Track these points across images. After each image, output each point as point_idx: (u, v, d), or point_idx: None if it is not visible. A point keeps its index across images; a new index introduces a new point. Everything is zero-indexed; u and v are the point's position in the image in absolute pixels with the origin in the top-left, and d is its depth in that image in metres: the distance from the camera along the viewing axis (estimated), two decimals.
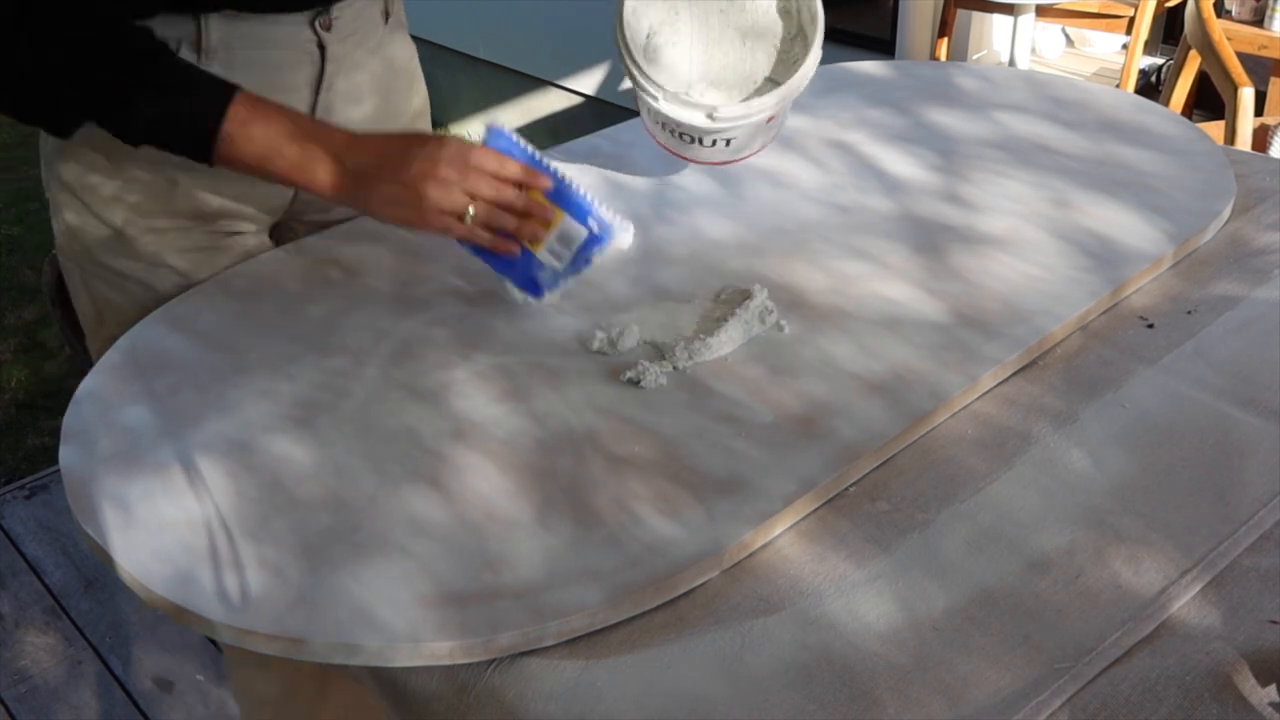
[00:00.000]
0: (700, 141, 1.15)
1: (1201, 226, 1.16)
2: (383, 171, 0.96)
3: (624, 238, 1.03)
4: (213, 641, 1.98)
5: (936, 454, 0.91)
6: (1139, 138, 1.35)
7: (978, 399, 0.97)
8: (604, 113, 3.63)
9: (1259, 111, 2.36)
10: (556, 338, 1.03)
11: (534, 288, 1.03)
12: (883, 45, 3.01)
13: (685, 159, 1.21)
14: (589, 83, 3.74)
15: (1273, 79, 2.63)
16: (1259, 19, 2.59)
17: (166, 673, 1.94)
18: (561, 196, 1.01)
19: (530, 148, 1.02)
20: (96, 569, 2.14)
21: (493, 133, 1.01)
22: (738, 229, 1.20)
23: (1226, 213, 1.20)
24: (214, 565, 0.79)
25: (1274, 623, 0.75)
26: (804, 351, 1.00)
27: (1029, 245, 1.14)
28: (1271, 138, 2.32)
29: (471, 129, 4.31)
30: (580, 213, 1.01)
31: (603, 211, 1.02)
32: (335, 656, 0.75)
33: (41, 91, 0.94)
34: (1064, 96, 1.47)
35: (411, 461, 0.88)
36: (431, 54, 4.29)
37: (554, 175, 1.01)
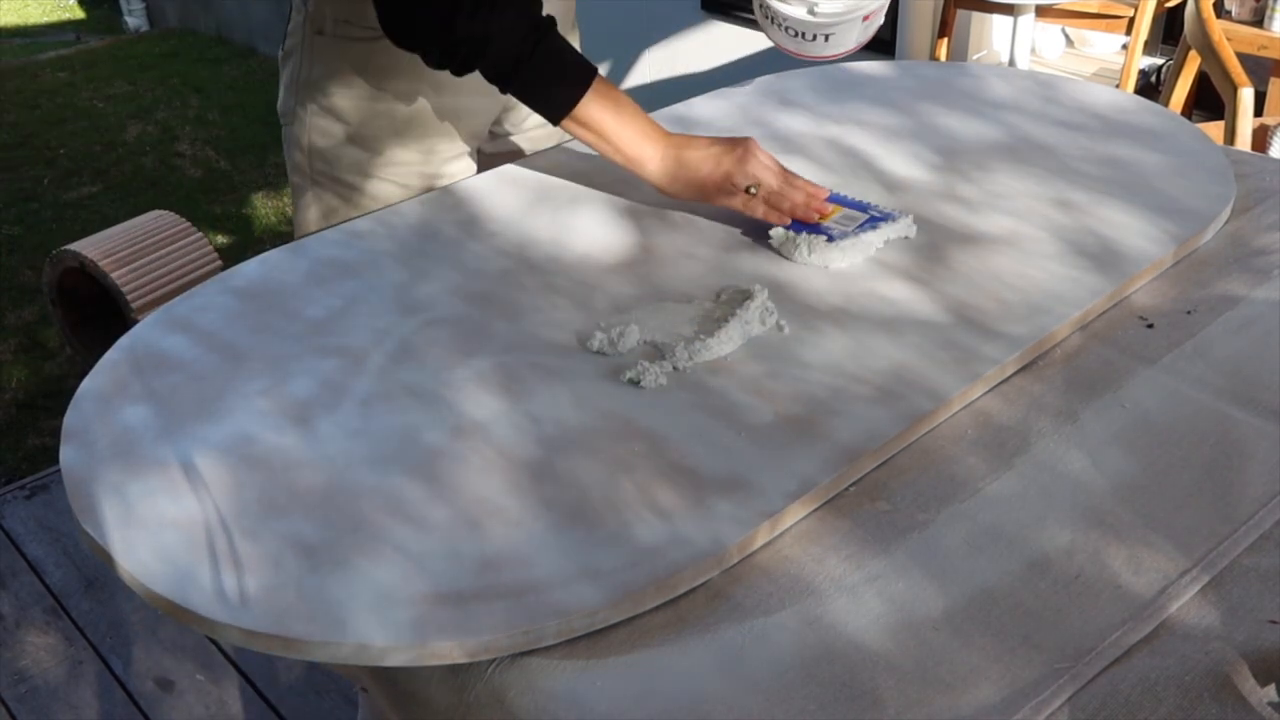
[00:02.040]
0: (803, 36, 1.27)
1: (1201, 226, 1.16)
2: (695, 156, 1.16)
3: (905, 223, 1.16)
4: (213, 641, 1.98)
5: (936, 454, 0.91)
6: (1139, 138, 1.35)
7: (978, 399, 0.97)
8: None
9: (1258, 112, 2.36)
10: (556, 338, 1.03)
11: (826, 232, 1.14)
12: (883, 45, 3.01)
13: (794, 54, 1.31)
14: None
15: (1272, 79, 2.64)
16: (1259, 19, 2.59)
17: (167, 672, 1.94)
18: (839, 200, 1.19)
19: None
20: (97, 569, 2.14)
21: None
22: (737, 228, 1.20)
23: (1226, 213, 1.20)
24: (214, 565, 0.79)
25: (1273, 622, 0.75)
26: (804, 351, 1.00)
27: (1029, 245, 1.14)
28: (1271, 138, 2.32)
29: None
30: (858, 206, 1.18)
31: (880, 208, 1.17)
32: (335, 656, 0.75)
33: (470, 49, 1.14)
34: (1064, 97, 1.47)
35: (411, 461, 0.88)
36: None
37: (832, 193, 1.19)
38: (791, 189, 1.16)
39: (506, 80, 1.16)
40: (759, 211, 1.16)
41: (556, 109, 1.17)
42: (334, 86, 1.33)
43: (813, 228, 1.15)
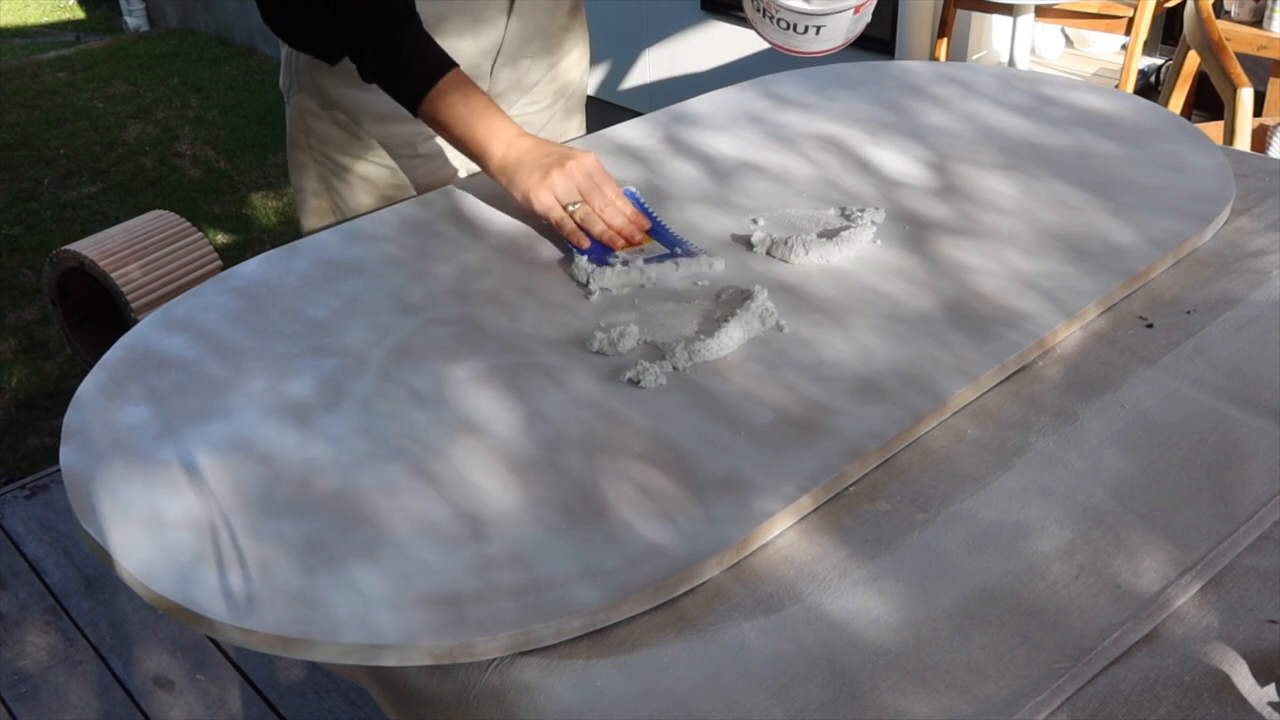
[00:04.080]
0: (795, 29, 1.25)
1: (1201, 226, 1.16)
2: (532, 158, 1.17)
3: (709, 261, 1.12)
4: (213, 641, 1.98)
5: (936, 454, 0.91)
6: (1138, 138, 1.35)
7: (978, 399, 0.97)
8: (604, 112, 3.63)
9: (1258, 112, 2.36)
10: (556, 338, 1.03)
11: (596, 260, 1.13)
12: (883, 45, 3.01)
13: (783, 49, 1.30)
14: (589, 83, 3.74)
15: (1272, 79, 2.64)
16: (1258, 19, 2.59)
17: (166, 672, 1.94)
18: (657, 233, 1.18)
19: (650, 209, 1.22)
20: (97, 568, 2.14)
21: (629, 192, 1.22)
22: (737, 228, 1.20)
23: (1226, 213, 1.20)
24: (214, 564, 0.79)
25: (1273, 622, 0.75)
26: (804, 351, 1.00)
27: (1028, 245, 1.14)
28: (1270, 138, 2.32)
29: None
30: (674, 241, 1.16)
31: (692, 246, 1.15)
32: (335, 656, 0.75)
33: (323, 33, 1.21)
34: (1063, 97, 1.47)
35: (411, 461, 0.88)
36: None
37: (655, 221, 1.19)
38: (609, 212, 1.15)
39: (365, 73, 1.22)
40: (566, 229, 1.15)
41: (409, 100, 1.21)
42: (319, 71, 1.37)
43: (600, 256, 1.13)
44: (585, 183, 1.15)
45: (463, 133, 1.19)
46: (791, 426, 0.91)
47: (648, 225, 1.18)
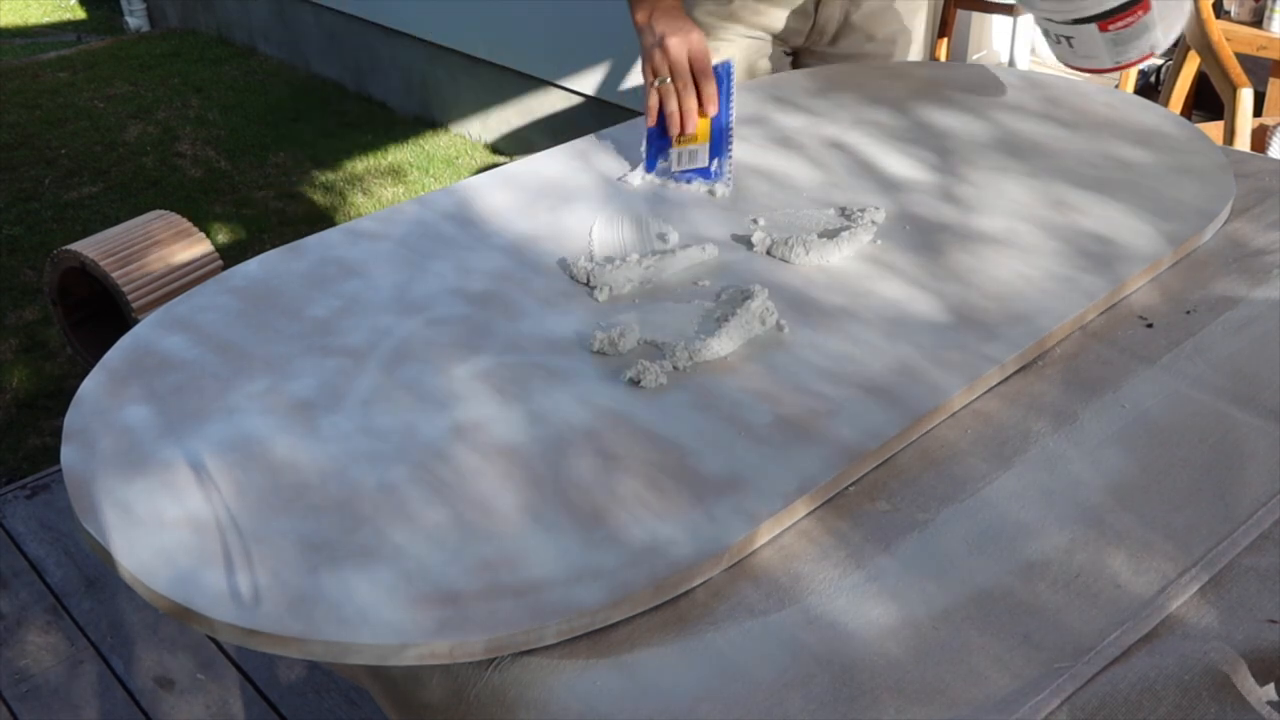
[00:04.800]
0: (1057, 41, 1.33)
1: (1201, 226, 1.16)
2: (655, 29, 1.35)
3: (720, 188, 1.26)
4: (214, 640, 1.98)
5: (936, 454, 0.91)
6: (1138, 138, 1.35)
7: (978, 399, 0.97)
8: (604, 113, 3.63)
9: (1258, 112, 2.36)
10: (556, 338, 1.03)
11: (649, 164, 1.31)
12: None
13: (1080, 70, 1.36)
14: (589, 83, 3.73)
15: (1272, 80, 2.63)
16: (1258, 20, 2.59)
17: (167, 672, 1.94)
18: (717, 130, 1.30)
19: (734, 93, 1.32)
20: (97, 568, 2.14)
21: (725, 67, 1.32)
22: (737, 229, 1.20)
23: (1226, 213, 1.20)
24: (215, 564, 0.79)
25: (1272, 622, 0.75)
26: (804, 351, 1.00)
27: (1028, 245, 1.14)
28: (1270, 138, 2.32)
29: (473, 129, 4.31)
30: (716, 149, 1.29)
31: (728, 163, 1.29)
32: (335, 656, 0.75)
33: None
34: (1063, 97, 1.47)
35: (411, 461, 0.88)
36: (431, 54, 4.29)
37: (724, 118, 1.30)
38: (686, 93, 1.30)
39: None
40: (649, 100, 1.32)
41: None
42: None
43: (658, 148, 1.30)
44: (678, 60, 1.30)
45: None
46: (791, 426, 0.91)
47: (713, 110, 1.30)
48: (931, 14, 3.07)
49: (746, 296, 1.05)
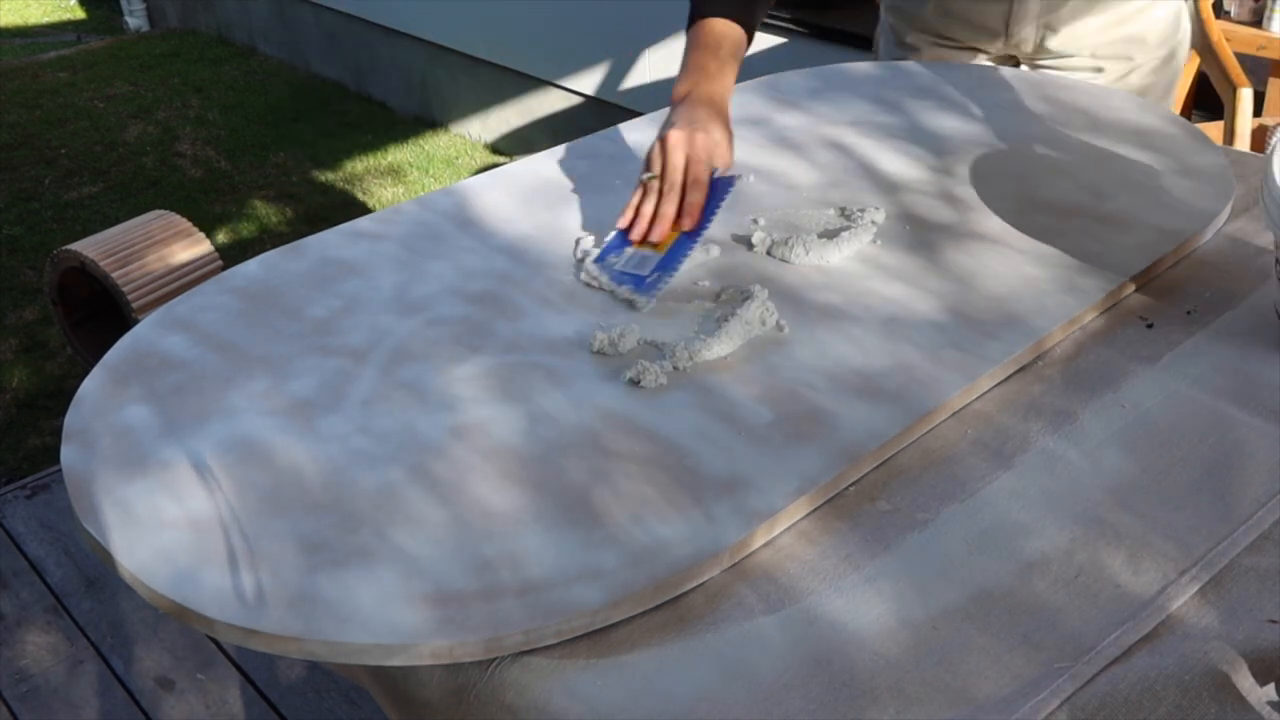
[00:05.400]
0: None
1: (1201, 226, 1.16)
2: (676, 116, 1.19)
3: (642, 301, 1.09)
4: (214, 641, 1.98)
5: (936, 454, 0.91)
6: (1138, 138, 1.35)
7: (977, 399, 0.97)
8: (604, 113, 3.63)
9: (1258, 112, 2.35)
10: (556, 338, 1.03)
11: (602, 255, 1.15)
12: None
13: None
14: (589, 83, 3.74)
15: (1271, 79, 2.63)
16: (1258, 19, 2.59)
17: (167, 672, 1.94)
18: (678, 248, 1.14)
19: (721, 204, 1.18)
20: (98, 568, 2.14)
21: (727, 183, 1.19)
22: (737, 229, 1.20)
23: (1226, 213, 1.20)
24: (215, 564, 0.79)
25: (1273, 622, 0.75)
26: (804, 351, 1.00)
27: (1027, 245, 1.14)
28: (1270, 138, 2.32)
29: (472, 129, 4.31)
30: (664, 262, 1.13)
31: (667, 279, 1.11)
32: (335, 656, 0.75)
33: None
34: (1062, 97, 1.47)
35: (411, 461, 0.88)
36: (431, 54, 4.29)
37: (695, 235, 1.15)
38: (667, 198, 1.14)
39: None
40: (633, 197, 1.17)
41: (690, 15, 1.29)
42: None
43: (607, 251, 1.14)
44: (673, 159, 1.15)
45: (684, 56, 1.26)
46: (791, 426, 0.91)
47: (688, 227, 1.15)
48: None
49: (746, 297, 1.05)
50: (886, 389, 0.95)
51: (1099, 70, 1.57)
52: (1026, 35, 1.57)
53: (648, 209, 1.15)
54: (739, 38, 1.26)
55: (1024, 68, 1.62)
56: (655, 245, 1.14)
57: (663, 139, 1.16)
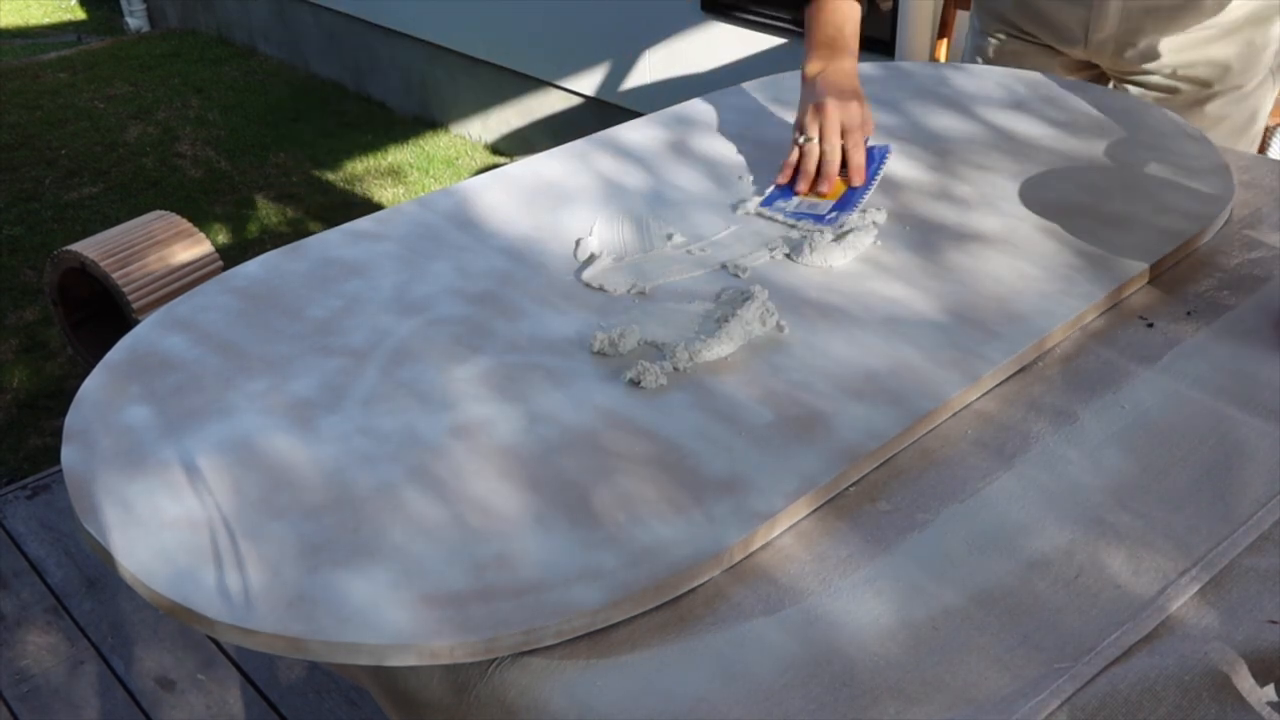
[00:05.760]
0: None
1: (1201, 227, 1.16)
2: (818, 87, 1.27)
3: (828, 228, 1.17)
4: (214, 641, 1.98)
5: (936, 454, 0.91)
6: (1138, 138, 1.35)
7: (977, 399, 0.97)
8: (604, 113, 3.63)
9: None
10: (556, 338, 1.03)
11: (768, 200, 1.24)
12: (882, 46, 3.01)
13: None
14: (589, 83, 3.74)
15: None
16: None
17: (168, 672, 1.94)
18: (847, 197, 1.22)
19: (881, 169, 1.25)
20: (98, 569, 2.14)
21: (882, 151, 1.27)
22: (736, 229, 1.20)
23: (1226, 213, 1.20)
24: (215, 564, 0.80)
25: (1273, 622, 0.75)
26: (804, 351, 1.00)
27: (1028, 245, 1.14)
28: (1271, 138, 2.32)
29: (473, 128, 4.31)
30: (838, 207, 1.21)
31: (846, 217, 1.19)
32: (335, 656, 0.75)
33: None
34: (1062, 97, 1.47)
35: (412, 461, 0.89)
36: (431, 54, 4.29)
37: (862, 193, 1.22)
38: (829, 157, 1.22)
39: None
40: (789, 156, 1.25)
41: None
42: None
43: (783, 194, 1.23)
44: (831, 124, 1.23)
45: (809, 36, 1.34)
46: (791, 426, 0.91)
47: (859, 183, 1.23)
48: (932, 14, 3.07)
49: (746, 297, 1.05)
50: (886, 389, 0.95)
51: (1175, 91, 1.55)
52: (1105, 42, 1.56)
53: (809, 166, 1.23)
54: (857, 15, 1.34)
55: (1110, 84, 1.62)
56: (820, 195, 1.22)
57: (818, 105, 1.23)
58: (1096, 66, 1.63)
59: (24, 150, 4.35)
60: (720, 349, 1.00)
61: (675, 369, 0.98)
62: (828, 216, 1.19)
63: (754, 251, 1.15)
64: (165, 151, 4.29)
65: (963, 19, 3.14)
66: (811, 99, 1.25)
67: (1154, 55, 1.54)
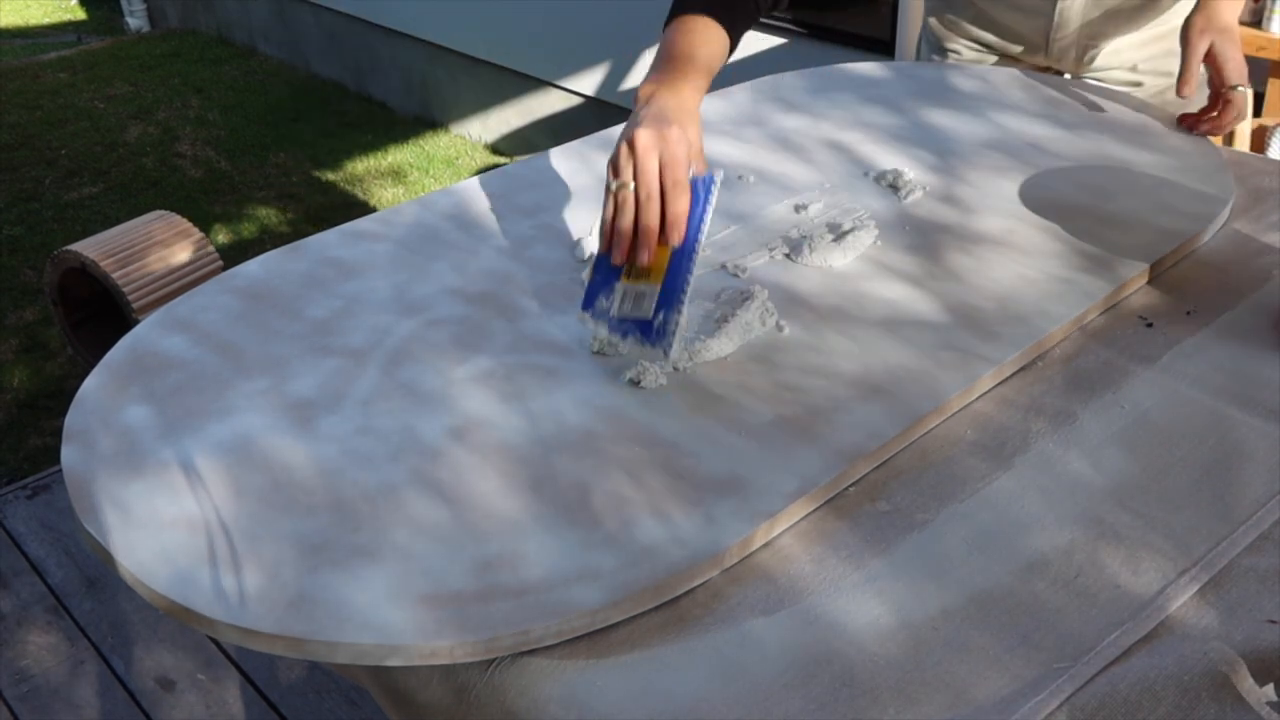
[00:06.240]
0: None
1: (1201, 227, 1.16)
2: (641, 115, 1.04)
3: (657, 356, 0.99)
4: (214, 641, 1.98)
5: (936, 454, 0.91)
6: (1138, 138, 1.35)
7: (977, 399, 0.97)
8: (604, 113, 3.63)
9: (1257, 113, 2.35)
10: (556, 338, 1.03)
11: (588, 301, 1.01)
12: (882, 46, 3.01)
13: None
14: (589, 83, 3.74)
15: (1271, 80, 2.63)
16: (1257, 20, 2.59)
17: (168, 672, 1.94)
18: (675, 271, 0.99)
19: (708, 218, 1.02)
20: (98, 569, 2.14)
21: (706, 181, 1.02)
22: (735, 229, 1.20)
23: (1225, 213, 1.20)
24: (214, 565, 0.80)
25: (1272, 622, 0.75)
26: (803, 352, 1.00)
27: (1028, 246, 1.14)
28: (1270, 139, 2.32)
29: (472, 128, 4.31)
30: (666, 296, 0.99)
31: (676, 317, 0.98)
32: (335, 656, 0.75)
33: None
34: (1062, 97, 1.47)
35: (411, 461, 0.89)
36: (431, 54, 4.29)
37: (688, 250, 1.00)
38: (646, 207, 0.99)
39: None
40: (605, 211, 1.01)
41: (670, 12, 1.19)
42: None
43: (594, 290, 1.00)
44: (648, 164, 0.99)
45: (655, 58, 1.14)
46: (791, 426, 0.91)
47: (677, 241, 1.00)
48: None
49: (746, 297, 1.05)
50: (886, 389, 0.95)
51: (1138, 85, 1.57)
52: (1067, 49, 1.57)
53: (625, 223, 0.99)
54: (719, 39, 1.15)
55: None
56: (646, 270, 1.00)
57: (629, 140, 1.00)
58: (1060, 74, 1.64)
59: (24, 150, 4.35)
60: (720, 349, 1.00)
61: (675, 369, 0.98)
62: (655, 324, 0.98)
63: (754, 252, 1.15)
64: (165, 151, 4.29)
65: None
66: (628, 129, 1.02)
67: (1116, 55, 1.56)
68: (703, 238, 1.01)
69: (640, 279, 0.99)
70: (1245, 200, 1.24)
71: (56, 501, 2.33)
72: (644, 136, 1.00)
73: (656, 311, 0.98)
